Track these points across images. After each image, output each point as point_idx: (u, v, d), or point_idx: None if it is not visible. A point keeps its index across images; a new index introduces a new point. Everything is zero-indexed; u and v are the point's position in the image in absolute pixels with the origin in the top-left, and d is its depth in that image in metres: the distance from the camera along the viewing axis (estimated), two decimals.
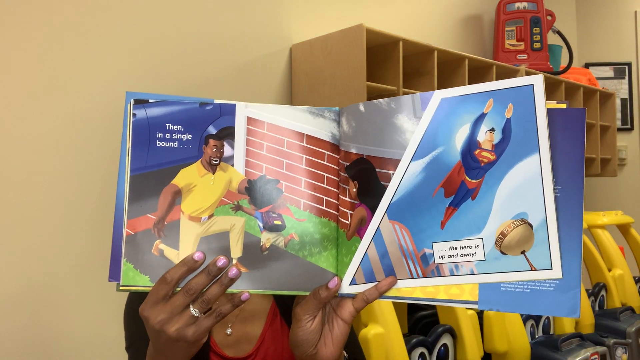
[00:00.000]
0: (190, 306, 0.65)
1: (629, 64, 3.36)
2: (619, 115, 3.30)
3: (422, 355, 1.39)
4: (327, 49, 1.77)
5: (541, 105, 0.65)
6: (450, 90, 0.70)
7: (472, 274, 0.68)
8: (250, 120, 0.72)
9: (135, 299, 0.97)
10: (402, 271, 0.71)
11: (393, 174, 0.71)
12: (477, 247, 0.68)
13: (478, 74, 2.20)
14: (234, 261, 0.69)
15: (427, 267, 0.70)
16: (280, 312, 1.03)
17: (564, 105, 0.67)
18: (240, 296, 0.66)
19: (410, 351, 1.37)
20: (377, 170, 0.72)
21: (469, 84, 2.10)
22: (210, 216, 0.69)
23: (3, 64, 1.31)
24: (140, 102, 0.69)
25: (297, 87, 1.87)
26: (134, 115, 0.69)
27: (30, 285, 1.34)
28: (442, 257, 0.69)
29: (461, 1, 2.62)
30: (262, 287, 0.69)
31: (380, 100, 0.73)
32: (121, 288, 0.67)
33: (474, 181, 0.68)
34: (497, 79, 2.20)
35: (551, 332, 1.73)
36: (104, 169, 1.46)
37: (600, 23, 3.42)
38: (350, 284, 0.72)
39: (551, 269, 0.65)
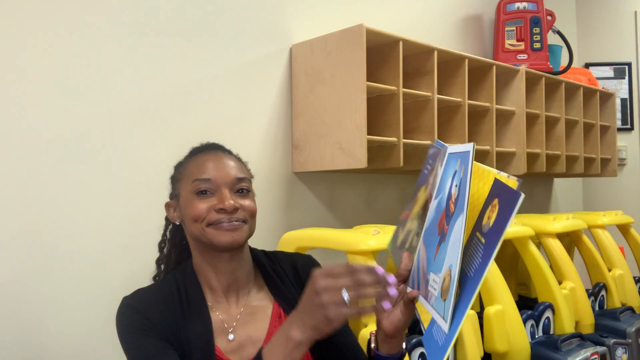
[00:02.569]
0: (345, 290, 0.75)
1: (629, 64, 3.35)
2: (619, 115, 3.30)
3: (422, 355, 1.39)
4: (327, 49, 1.77)
5: (469, 170, 0.74)
6: (453, 146, 0.85)
7: (431, 306, 0.77)
8: None
9: (130, 317, 0.97)
10: (421, 287, 0.83)
11: (430, 205, 0.88)
12: (438, 284, 0.76)
13: (478, 74, 2.20)
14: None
15: (426, 290, 0.80)
16: (284, 311, 1.04)
17: (513, 183, 0.71)
18: (383, 305, 0.80)
19: (410, 351, 1.37)
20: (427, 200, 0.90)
21: (469, 84, 2.11)
22: None
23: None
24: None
25: (297, 87, 1.87)
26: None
27: (31, 286, 1.34)
28: (432, 285, 0.78)
29: (461, 1, 2.62)
30: None
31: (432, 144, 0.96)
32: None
33: (447, 227, 0.78)
34: (497, 79, 2.20)
35: (551, 332, 1.73)
36: (104, 168, 1.46)
37: (600, 23, 3.42)
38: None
39: (445, 322, 0.71)
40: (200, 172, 1.02)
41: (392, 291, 0.76)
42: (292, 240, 1.59)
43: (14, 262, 1.32)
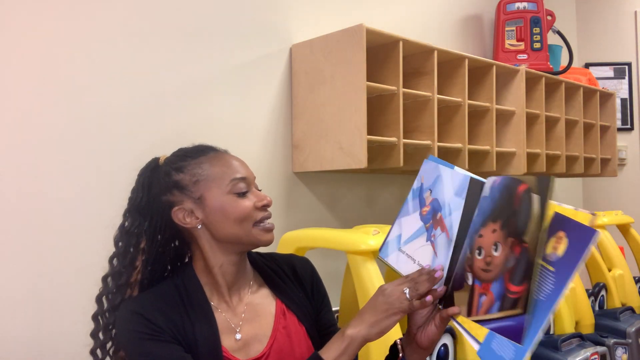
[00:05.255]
0: (407, 288, 0.91)
1: (629, 64, 3.35)
2: (619, 115, 3.30)
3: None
4: (327, 49, 1.77)
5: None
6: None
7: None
8: None
9: (136, 323, 0.95)
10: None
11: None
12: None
13: (478, 74, 2.20)
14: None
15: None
16: (287, 307, 1.05)
17: (585, 217, 0.76)
18: (426, 298, 0.92)
19: None
20: None
21: (469, 84, 2.11)
22: None
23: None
24: None
25: (297, 87, 1.87)
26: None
27: (32, 286, 1.34)
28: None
29: (461, 1, 2.62)
30: None
31: None
32: None
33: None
34: (497, 79, 2.20)
35: (551, 332, 1.73)
36: (104, 168, 1.46)
37: (600, 23, 3.42)
38: None
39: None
40: (233, 171, 1.02)
41: (438, 274, 0.92)
42: (292, 240, 1.59)
43: (14, 262, 1.32)
